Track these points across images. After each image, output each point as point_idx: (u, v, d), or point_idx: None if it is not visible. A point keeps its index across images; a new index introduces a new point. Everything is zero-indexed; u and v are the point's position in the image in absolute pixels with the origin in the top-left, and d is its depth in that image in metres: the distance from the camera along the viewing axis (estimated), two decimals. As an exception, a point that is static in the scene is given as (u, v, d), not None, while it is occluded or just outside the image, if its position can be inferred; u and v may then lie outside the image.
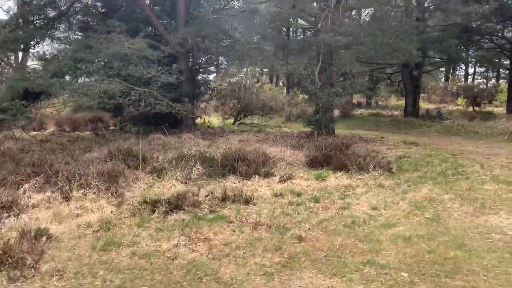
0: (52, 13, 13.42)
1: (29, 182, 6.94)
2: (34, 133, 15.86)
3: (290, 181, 8.02)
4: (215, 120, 19.89)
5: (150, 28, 15.76)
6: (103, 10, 15.49)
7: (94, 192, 6.59)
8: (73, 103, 10.96)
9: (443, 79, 43.71)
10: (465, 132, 18.02)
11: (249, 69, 23.05)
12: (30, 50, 15.22)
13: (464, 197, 7.00)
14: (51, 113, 14.87)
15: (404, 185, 7.95)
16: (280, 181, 7.99)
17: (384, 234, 5.33)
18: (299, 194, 7.16)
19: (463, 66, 45.74)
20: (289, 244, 4.91)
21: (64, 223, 5.56)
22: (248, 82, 21.09)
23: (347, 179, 8.27)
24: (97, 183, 6.73)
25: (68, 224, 5.53)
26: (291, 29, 30.22)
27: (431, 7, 21.89)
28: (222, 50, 15.19)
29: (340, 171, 8.78)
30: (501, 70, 38.67)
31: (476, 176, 8.50)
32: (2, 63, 26.94)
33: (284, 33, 28.36)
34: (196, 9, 15.52)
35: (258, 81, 21.09)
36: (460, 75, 44.75)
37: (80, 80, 12.14)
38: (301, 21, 21.69)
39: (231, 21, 15.70)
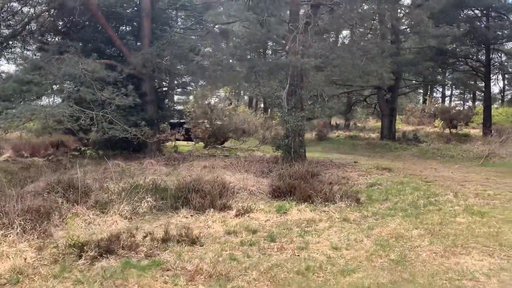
0: (6, 32, 12.65)
1: None
2: (-13, 158, 14.83)
3: (247, 215, 7.30)
4: (185, 144, 19.13)
5: (113, 49, 15.08)
6: (63, 29, 14.78)
7: (18, 232, 5.75)
8: (13, 129, 10.11)
9: (421, 101, 44.05)
10: (440, 156, 17.69)
11: (222, 91, 22.50)
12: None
13: (435, 232, 6.40)
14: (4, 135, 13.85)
15: (372, 218, 7.32)
16: (236, 215, 7.26)
17: (340, 283, 4.63)
18: (254, 231, 6.43)
19: (440, 88, 46.34)
20: (227, 300, 4.17)
21: (-33, 274, 4.71)
22: (221, 104, 20.50)
23: (311, 211, 7.60)
24: (21, 222, 5.88)
25: (-28, 275, 4.68)
26: (267, 50, 30.02)
27: (407, 29, 21.86)
28: (190, 71, 14.56)
29: (304, 202, 8.10)
30: (477, 92, 39.14)
31: (449, 207, 7.99)
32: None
33: (261, 55, 28.09)
34: (161, 29, 14.95)
35: (231, 103, 20.50)
36: (438, 97, 45.23)
37: (33, 103, 11.29)
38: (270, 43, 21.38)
39: (200, 41, 15.15)
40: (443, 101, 44.41)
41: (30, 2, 13.90)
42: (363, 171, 12.14)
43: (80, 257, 5.20)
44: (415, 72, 25.00)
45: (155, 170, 11.48)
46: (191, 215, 7.28)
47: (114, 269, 4.87)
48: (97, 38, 14.90)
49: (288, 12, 14.17)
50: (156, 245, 5.66)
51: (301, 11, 14.41)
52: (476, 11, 24.37)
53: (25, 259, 5.01)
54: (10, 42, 12.89)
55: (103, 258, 5.20)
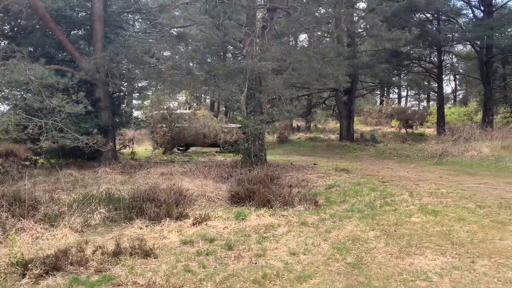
0: None
1: None
2: None
3: (205, 223, 7.14)
4: (144, 150, 18.68)
5: (65, 54, 14.47)
6: (9, 34, 14.04)
7: (-46, 252, 5.34)
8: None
9: (378, 102, 45.31)
10: (397, 156, 18.17)
11: (182, 95, 22.16)
12: None
13: (390, 233, 6.49)
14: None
15: (329, 220, 7.34)
16: (193, 224, 7.08)
17: (297, 290, 4.58)
18: (212, 240, 6.28)
19: (396, 89, 47.88)
20: (180, 315, 4.01)
21: None
22: (180, 109, 20.17)
23: (270, 216, 7.54)
24: (-42, 241, 5.47)
25: None
26: (227, 54, 29.88)
27: (363, 32, 22.37)
28: (145, 75, 14.18)
29: (264, 207, 8.03)
30: (431, 92, 40.71)
31: (405, 206, 8.14)
32: None
33: (221, 58, 27.87)
34: (115, 32, 14.50)
35: (190, 107, 20.21)
36: (394, 98, 46.69)
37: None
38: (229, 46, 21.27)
39: (156, 44, 14.80)
40: (399, 101, 45.89)
41: (-27, 4, 13.14)
42: (322, 173, 12.24)
43: (23, 276, 4.88)
44: (371, 74, 25.64)
45: (110, 179, 11.08)
46: (146, 226, 7.04)
47: (60, 287, 4.60)
48: (47, 42, 14.24)
49: (245, 16, 14.12)
50: (107, 259, 5.39)
51: (258, 15, 14.42)
52: (428, 15, 25.34)
53: (-40, 282, 4.65)
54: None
55: (49, 276, 4.89)
